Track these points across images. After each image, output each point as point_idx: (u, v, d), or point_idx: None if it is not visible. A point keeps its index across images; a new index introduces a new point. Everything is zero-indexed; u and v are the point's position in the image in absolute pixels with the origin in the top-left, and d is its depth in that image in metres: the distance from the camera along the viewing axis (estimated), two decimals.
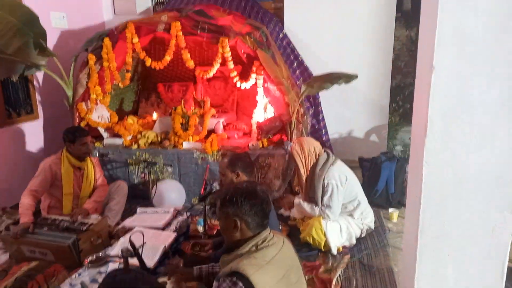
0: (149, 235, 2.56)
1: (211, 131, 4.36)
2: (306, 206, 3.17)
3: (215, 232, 3.10)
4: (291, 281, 1.60)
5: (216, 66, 4.09)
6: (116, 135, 4.35)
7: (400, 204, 3.92)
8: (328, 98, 4.48)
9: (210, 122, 4.38)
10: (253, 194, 1.63)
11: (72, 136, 3.22)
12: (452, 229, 1.43)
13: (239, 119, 4.80)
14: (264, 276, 1.47)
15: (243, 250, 1.57)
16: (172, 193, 3.86)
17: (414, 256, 1.46)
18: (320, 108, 4.41)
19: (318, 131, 4.37)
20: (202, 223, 3.31)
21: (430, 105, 1.23)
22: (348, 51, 4.74)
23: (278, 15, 4.92)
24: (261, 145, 3.99)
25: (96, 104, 4.37)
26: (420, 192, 1.37)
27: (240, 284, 1.44)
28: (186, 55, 4.09)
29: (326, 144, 4.40)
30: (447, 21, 1.16)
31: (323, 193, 3.08)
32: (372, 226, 3.28)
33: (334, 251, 3.05)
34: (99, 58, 4.24)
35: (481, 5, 1.13)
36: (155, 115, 4.81)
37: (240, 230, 1.60)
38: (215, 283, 1.53)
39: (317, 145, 3.23)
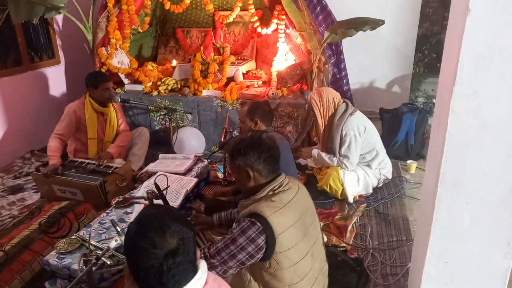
0: (171, 180, 2.66)
1: (230, 79, 4.34)
2: (324, 156, 3.20)
3: (234, 178, 3.19)
4: (306, 223, 1.67)
5: (237, 10, 3.98)
6: (137, 81, 4.38)
7: (419, 156, 3.91)
8: (350, 46, 4.35)
9: (229, 70, 4.34)
10: (259, 142, 1.67)
11: (95, 81, 3.27)
12: (472, 177, 1.44)
13: (258, 67, 4.74)
14: (281, 218, 1.54)
15: (260, 195, 1.63)
16: (192, 140, 3.93)
17: (432, 204, 1.49)
18: (342, 56, 4.30)
19: (339, 81, 4.30)
20: (222, 170, 3.41)
21: (462, 51, 1.19)
22: None
23: None
24: (280, 94, 3.96)
25: (116, 49, 4.37)
26: (443, 140, 1.37)
27: (258, 224, 1.51)
28: None
29: (346, 94, 4.34)
30: None
31: (341, 143, 3.09)
32: (390, 177, 3.32)
33: (351, 200, 3.12)
34: (118, 1, 4.17)
35: None
36: (174, 62, 4.79)
37: (254, 179, 1.66)
38: (234, 224, 1.61)
39: (336, 95, 3.20)
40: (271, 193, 1.63)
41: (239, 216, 1.63)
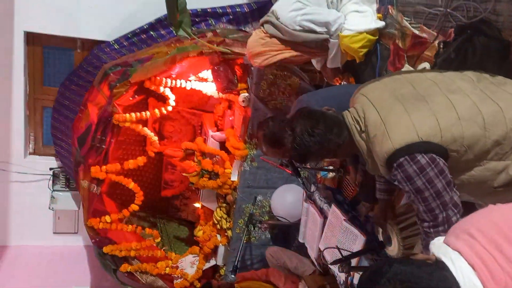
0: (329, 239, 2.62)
1: (223, 146, 4.35)
2: None
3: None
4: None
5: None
6: None
7: None
8: None
9: (212, 145, 4.44)
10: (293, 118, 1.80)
11: None
12: None
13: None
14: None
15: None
16: (284, 200, 3.78)
17: None
18: None
19: None
20: (325, 173, 3.33)
21: None
22: None
23: None
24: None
25: None
26: None
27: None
28: None
29: None
30: None
31: None
32: None
33: None
34: None
35: None
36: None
37: (333, 148, 1.75)
38: (403, 184, 1.58)
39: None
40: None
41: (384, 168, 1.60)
